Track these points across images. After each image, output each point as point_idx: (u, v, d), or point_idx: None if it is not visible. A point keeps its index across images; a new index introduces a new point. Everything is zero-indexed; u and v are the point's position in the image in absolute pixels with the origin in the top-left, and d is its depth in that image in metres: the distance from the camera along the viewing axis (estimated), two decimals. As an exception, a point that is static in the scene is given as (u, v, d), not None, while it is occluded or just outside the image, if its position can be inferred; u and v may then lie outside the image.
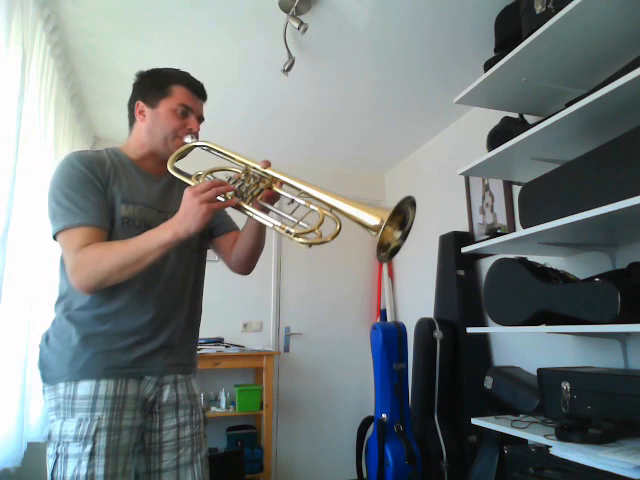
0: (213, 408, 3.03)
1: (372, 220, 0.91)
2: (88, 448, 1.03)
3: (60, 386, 1.09)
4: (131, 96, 1.27)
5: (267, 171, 1.10)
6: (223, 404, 3.04)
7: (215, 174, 1.18)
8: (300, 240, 0.98)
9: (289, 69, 2.21)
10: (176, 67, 1.30)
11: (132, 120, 1.27)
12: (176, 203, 1.16)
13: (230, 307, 3.40)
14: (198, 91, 1.26)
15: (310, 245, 0.98)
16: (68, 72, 2.37)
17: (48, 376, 1.13)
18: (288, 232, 0.99)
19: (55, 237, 1.11)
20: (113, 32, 2.13)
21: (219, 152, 1.20)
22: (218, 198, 1.03)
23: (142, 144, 1.24)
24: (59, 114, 2.28)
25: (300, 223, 1.01)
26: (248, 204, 1.07)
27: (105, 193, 1.13)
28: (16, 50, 1.58)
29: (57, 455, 1.05)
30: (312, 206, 1.02)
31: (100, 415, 1.06)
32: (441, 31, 2.13)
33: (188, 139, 1.21)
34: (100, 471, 1.03)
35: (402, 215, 0.95)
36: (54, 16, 1.98)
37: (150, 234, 1.05)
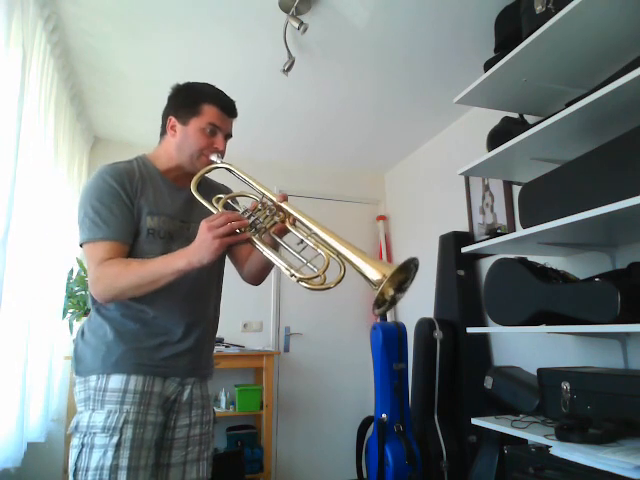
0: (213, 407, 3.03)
1: (374, 275, 0.95)
2: (115, 439, 1.08)
3: (92, 378, 1.15)
4: (165, 108, 1.32)
5: (282, 205, 1.15)
6: (223, 404, 3.05)
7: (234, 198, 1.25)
8: (304, 285, 1.02)
9: (289, 69, 2.21)
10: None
11: (163, 131, 1.32)
12: (199, 214, 1.25)
13: (230, 307, 3.37)
14: (228, 110, 1.29)
15: (313, 290, 1.02)
16: (68, 72, 2.37)
17: (81, 369, 1.18)
18: (293, 276, 1.02)
19: (81, 245, 1.18)
20: (113, 32, 2.13)
21: (240, 176, 1.24)
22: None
23: (170, 157, 1.29)
24: (59, 114, 2.28)
25: (308, 265, 1.04)
26: (260, 237, 1.13)
27: (132, 206, 1.20)
28: (16, 50, 1.58)
29: (82, 446, 1.09)
30: (319, 250, 1.06)
31: (128, 408, 1.11)
32: (441, 31, 2.13)
33: (214, 157, 1.26)
34: (124, 462, 1.07)
35: (405, 275, 0.98)
36: (54, 16, 1.98)
37: (166, 259, 1.10)
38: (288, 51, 2.16)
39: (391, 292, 0.98)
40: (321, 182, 3.80)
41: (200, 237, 1.06)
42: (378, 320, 3.58)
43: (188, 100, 1.27)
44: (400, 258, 3.66)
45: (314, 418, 3.46)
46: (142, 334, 1.19)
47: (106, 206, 1.16)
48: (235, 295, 3.38)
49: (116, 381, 1.14)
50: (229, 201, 1.25)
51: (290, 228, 1.15)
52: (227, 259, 1.43)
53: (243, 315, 3.48)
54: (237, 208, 1.22)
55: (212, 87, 1.31)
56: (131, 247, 1.19)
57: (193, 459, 1.22)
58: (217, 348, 3.06)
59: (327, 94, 2.70)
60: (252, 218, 1.14)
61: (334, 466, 3.38)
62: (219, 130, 1.27)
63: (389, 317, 3.55)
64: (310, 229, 1.09)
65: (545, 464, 1.39)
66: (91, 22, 2.06)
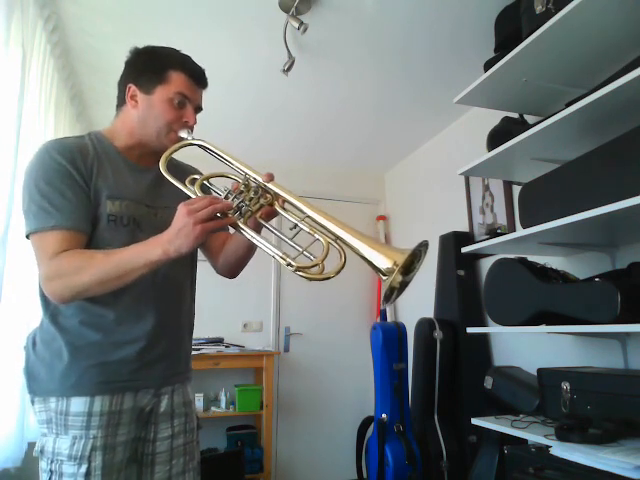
0: (213, 408, 3.03)
1: (384, 262, 0.84)
2: (83, 469, 0.97)
3: (51, 400, 1.02)
4: (122, 75, 1.14)
5: (269, 186, 1.01)
6: (223, 404, 3.04)
7: (212, 180, 1.10)
8: (301, 274, 0.90)
9: (289, 69, 2.21)
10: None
11: (121, 102, 1.14)
12: (167, 197, 1.11)
13: (230, 307, 3.40)
14: (198, 78, 1.14)
15: (311, 280, 0.91)
16: (68, 72, 2.37)
17: (36, 388, 1.05)
18: (290, 265, 0.91)
19: (28, 237, 1.01)
20: (113, 32, 2.13)
21: (216, 154, 1.11)
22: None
23: (131, 132, 1.12)
24: (59, 114, 2.28)
25: (304, 253, 0.93)
26: (246, 221, 0.99)
27: (87, 189, 1.02)
28: (16, 50, 1.57)
29: (51, 472, 0.99)
30: (316, 235, 0.95)
31: (95, 433, 1.00)
32: (441, 31, 2.13)
33: (184, 133, 1.11)
34: None
35: (412, 257, 0.87)
36: (54, 16, 1.98)
37: (137, 249, 0.96)
38: (288, 51, 2.16)
39: (399, 278, 0.88)
40: (321, 182, 3.80)
41: (178, 222, 0.92)
42: (378, 320, 3.59)
43: (152, 66, 1.10)
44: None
45: (314, 418, 3.46)
46: (106, 346, 1.03)
47: (56, 188, 0.98)
48: (235, 295, 3.41)
49: (78, 404, 1.00)
50: (206, 182, 1.09)
51: (280, 211, 1.01)
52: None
53: (243, 315, 3.48)
54: (216, 190, 1.07)
55: (178, 52, 1.15)
56: (89, 237, 1.02)
57: (178, 472, 1.11)
58: (217, 348, 3.06)
59: (327, 94, 2.70)
60: (236, 201, 0.99)
61: (334, 466, 3.38)
62: (188, 101, 1.11)
63: (389, 317, 3.55)
64: (303, 212, 0.96)
65: (545, 464, 1.39)
66: (91, 22, 2.06)
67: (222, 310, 3.32)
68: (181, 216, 0.92)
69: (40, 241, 0.99)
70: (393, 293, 0.89)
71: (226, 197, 1.01)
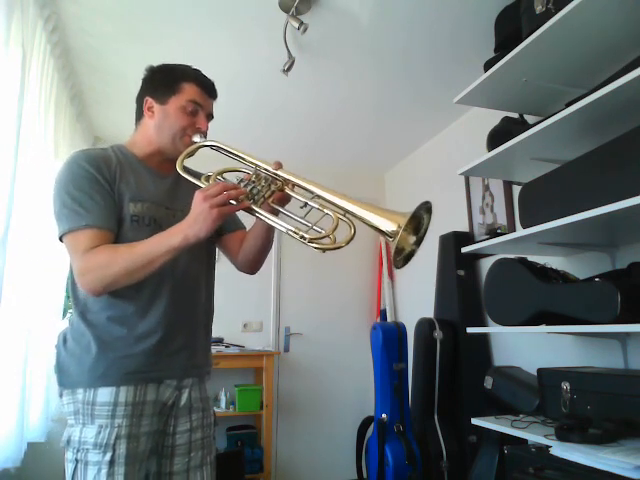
0: (213, 408, 3.03)
1: (389, 226, 0.92)
2: (108, 456, 1.03)
3: (79, 391, 1.08)
4: (140, 91, 1.25)
5: (279, 173, 1.09)
6: (223, 404, 3.05)
7: (225, 175, 1.18)
8: (314, 246, 0.97)
9: (289, 69, 2.21)
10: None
11: (139, 116, 1.25)
12: (183, 200, 1.17)
13: (230, 307, 3.40)
14: (209, 89, 1.24)
15: (324, 251, 0.98)
16: (68, 72, 2.36)
17: (65, 381, 1.11)
18: (302, 238, 0.98)
19: (61, 239, 1.09)
20: (113, 32, 2.12)
21: (229, 152, 1.19)
22: (230, 201, 1.02)
23: (149, 141, 1.22)
24: (59, 114, 2.28)
25: (314, 227, 1.00)
26: (259, 207, 1.06)
27: (112, 192, 1.12)
28: (16, 50, 1.58)
29: (77, 461, 1.04)
30: (326, 210, 1.02)
31: (120, 422, 1.05)
32: (441, 31, 2.13)
33: (197, 138, 1.20)
34: (120, 479, 1.03)
35: (417, 219, 0.96)
36: (54, 16, 1.98)
37: (159, 238, 1.04)
38: (288, 51, 2.16)
39: (411, 239, 0.95)
40: (321, 182, 3.80)
41: (196, 208, 1.00)
42: (378, 320, 3.59)
43: (166, 79, 1.21)
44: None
45: (314, 418, 3.46)
46: (130, 339, 1.10)
47: (85, 192, 1.07)
48: (235, 295, 3.40)
49: (105, 394, 1.06)
50: (219, 177, 1.16)
51: (291, 193, 1.10)
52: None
53: (243, 315, 3.49)
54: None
55: (189, 67, 1.25)
56: (116, 236, 1.11)
57: (196, 465, 1.17)
58: (217, 348, 3.06)
59: (327, 94, 2.70)
60: (249, 187, 1.07)
61: (334, 466, 3.39)
62: (200, 109, 1.21)
63: (389, 317, 3.55)
64: (312, 192, 1.04)
65: (545, 464, 1.39)
66: (91, 22, 2.06)
67: (222, 310, 3.30)
68: (198, 202, 1.00)
69: (73, 240, 1.07)
70: (402, 254, 0.96)
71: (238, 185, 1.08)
